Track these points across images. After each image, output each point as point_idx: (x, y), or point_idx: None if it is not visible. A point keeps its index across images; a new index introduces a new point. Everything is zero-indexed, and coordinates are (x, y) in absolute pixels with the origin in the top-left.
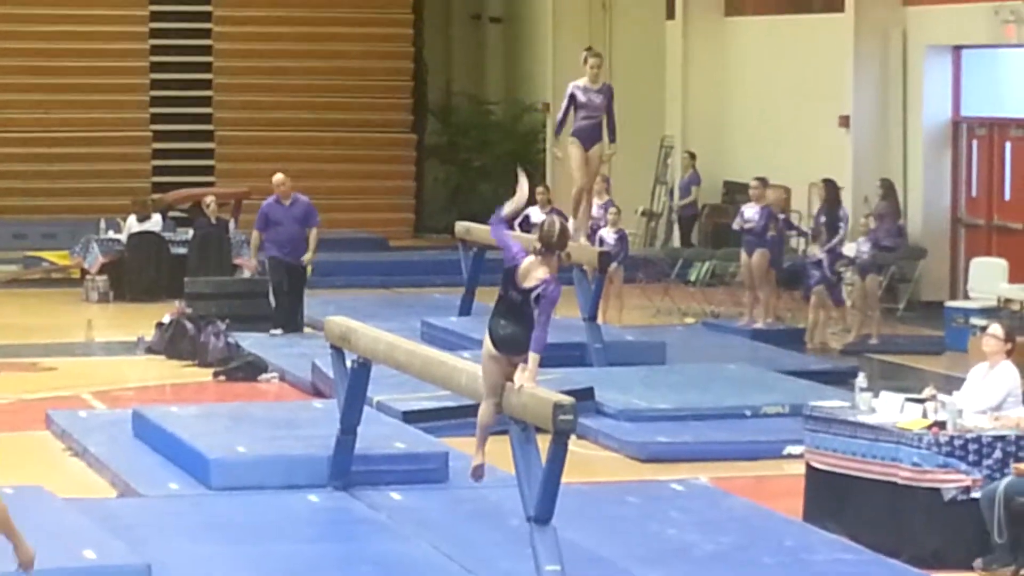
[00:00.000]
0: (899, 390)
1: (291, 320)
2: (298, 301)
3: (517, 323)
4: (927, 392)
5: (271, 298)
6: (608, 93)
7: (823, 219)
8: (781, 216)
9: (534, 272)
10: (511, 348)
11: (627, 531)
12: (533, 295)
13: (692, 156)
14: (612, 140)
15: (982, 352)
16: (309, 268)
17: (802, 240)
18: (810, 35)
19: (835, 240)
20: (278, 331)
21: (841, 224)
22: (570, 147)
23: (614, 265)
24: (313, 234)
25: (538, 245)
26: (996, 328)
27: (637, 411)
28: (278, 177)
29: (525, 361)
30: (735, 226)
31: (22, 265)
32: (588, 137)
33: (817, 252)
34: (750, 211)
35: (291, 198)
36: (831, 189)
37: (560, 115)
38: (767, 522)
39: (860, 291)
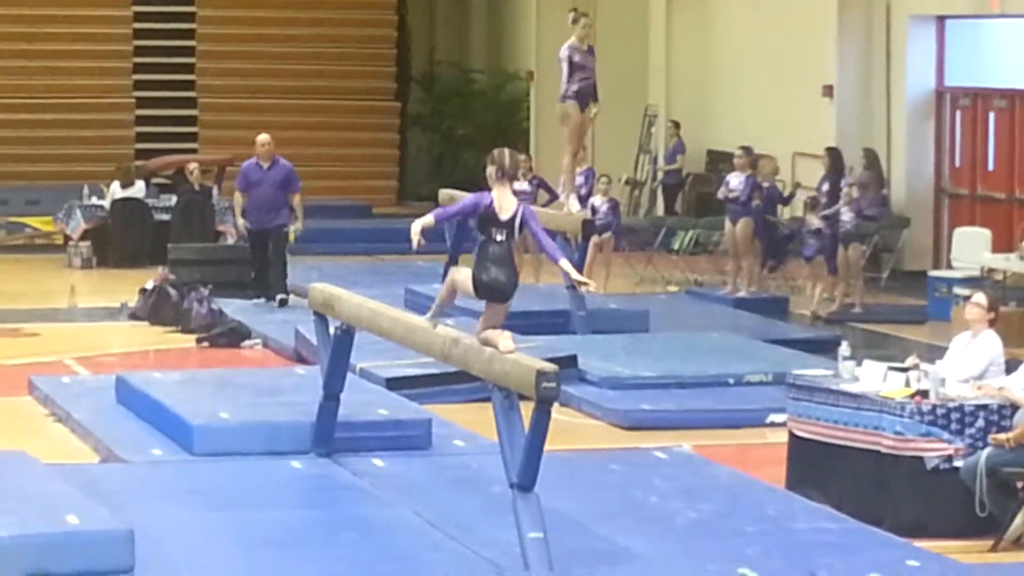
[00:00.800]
0: (882, 359)
1: (274, 286)
2: (280, 266)
3: (502, 268)
4: (910, 361)
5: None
6: (593, 53)
7: (826, 187)
8: (765, 185)
9: (506, 202)
10: (496, 295)
11: (610, 498)
12: (517, 223)
13: (676, 125)
14: (595, 99)
15: (965, 321)
16: (292, 235)
17: (786, 209)
18: (794, 4)
19: (835, 208)
20: (260, 299)
21: (843, 193)
22: (569, 110)
23: (607, 234)
24: (296, 200)
25: (495, 175)
26: (980, 297)
27: (620, 379)
28: (262, 137)
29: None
30: (720, 195)
31: (5, 231)
32: (584, 99)
33: (815, 221)
34: (735, 180)
35: (272, 160)
36: (836, 157)
37: (565, 79)
38: (750, 490)
39: (843, 260)
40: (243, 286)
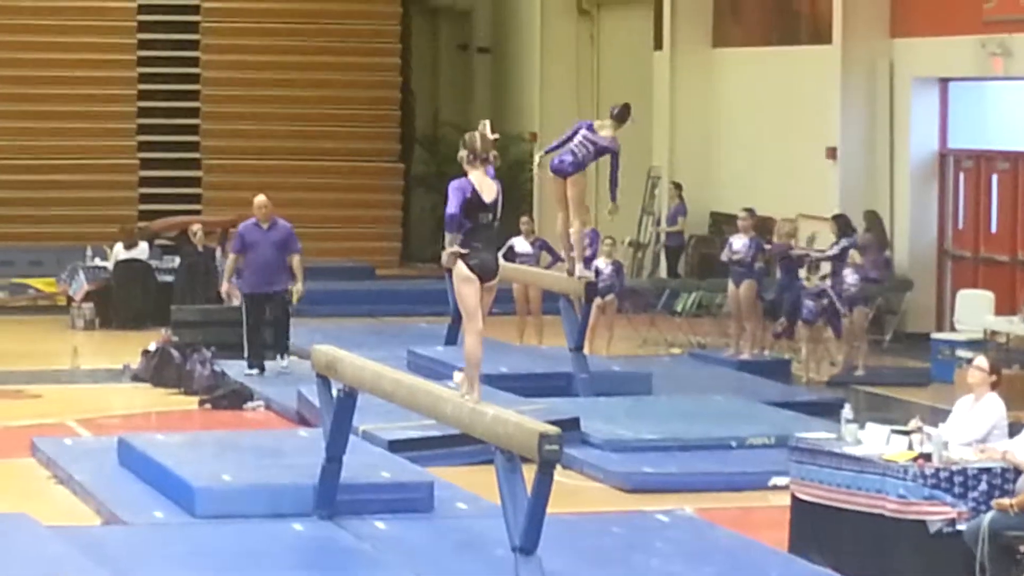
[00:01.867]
0: (885, 422)
1: (276, 347)
2: (283, 330)
3: (488, 248)
4: (913, 424)
5: (244, 337)
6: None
7: (834, 252)
8: (794, 251)
9: (486, 184)
10: (488, 273)
11: (612, 562)
12: (499, 203)
13: (678, 187)
14: (613, 199)
15: (968, 384)
16: (295, 297)
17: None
18: (797, 66)
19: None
20: (253, 371)
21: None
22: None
23: (610, 296)
24: (296, 262)
25: (468, 159)
26: (981, 360)
27: (623, 441)
28: (260, 198)
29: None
30: (723, 257)
31: (8, 292)
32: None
33: (817, 283)
34: (738, 242)
35: (271, 222)
36: (844, 223)
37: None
38: (752, 553)
39: (847, 323)
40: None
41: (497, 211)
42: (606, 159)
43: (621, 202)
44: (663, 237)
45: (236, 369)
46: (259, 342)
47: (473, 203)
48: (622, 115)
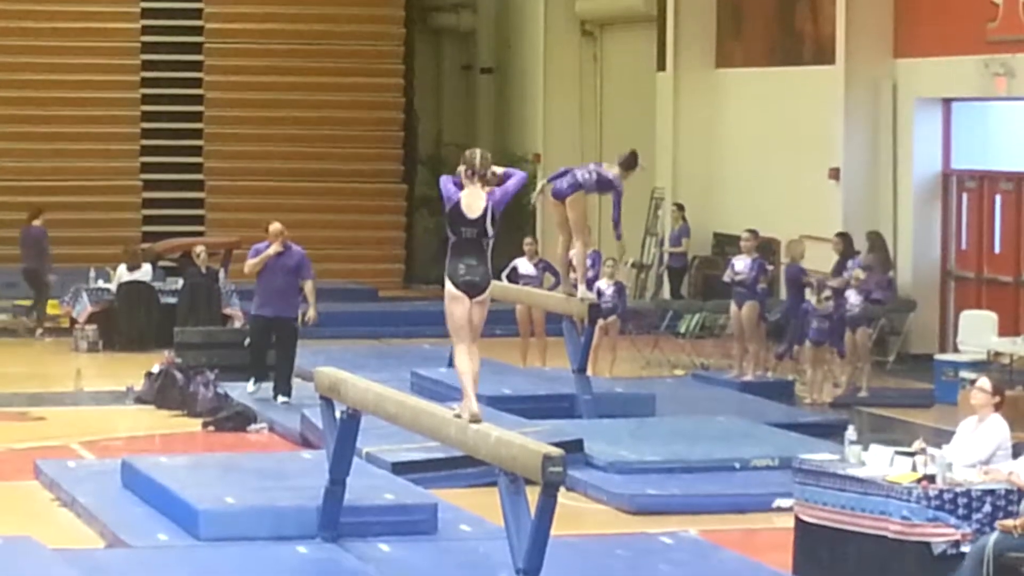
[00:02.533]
0: (889, 443)
1: (277, 383)
2: (287, 362)
3: (477, 264)
4: (916, 445)
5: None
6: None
7: (849, 276)
8: (816, 279)
9: (476, 201)
10: (474, 290)
11: None
12: (488, 218)
13: (681, 208)
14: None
15: (972, 405)
16: (309, 321)
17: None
18: (800, 87)
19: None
20: (260, 384)
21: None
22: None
23: (612, 317)
24: (309, 287)
25: (466, 174)
26: (984, 382)
27: (626, 463)
28: (275, 226)
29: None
30: (726, 278)
31: (11, 314)
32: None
33: (826, 304)
34: (740, 263)
35: (284, 246)
36: (848, 243)
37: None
38: (757, 575)
39: (850, 344)
40: (249, 369)
41: (486, 228)
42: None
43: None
44: (667, 258)
45: (239, 391)
46: (263, 361)
47: (454, 215)
48: (628, 163)
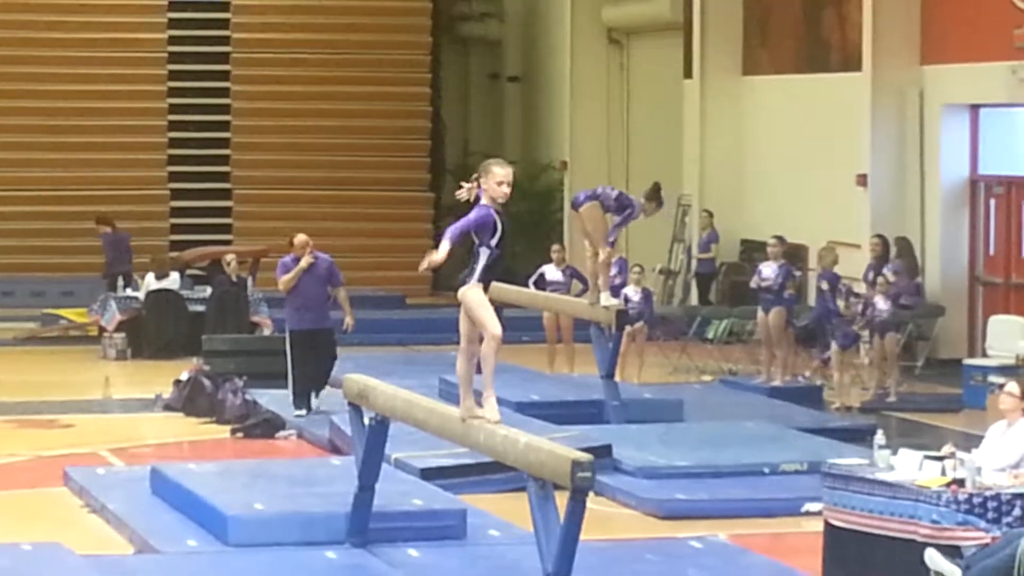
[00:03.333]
0: (918, 447)
1: (317, 382)
2: (324, 372)
3: (499, 272)
4: (946, 450)
5: (289, 375)
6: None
7: (871, 275)
8: (843, 285)
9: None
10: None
11: None
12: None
13: (710, 214)
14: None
15: (1000, 410)
16: (348, 328)
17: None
18: (827, 94)
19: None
20: (302, 412)
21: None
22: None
23: (640, 323)
24: (342, 295)
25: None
26: (1012, 386)
27: (655, 468)
28: (300, 238)
29: None
30: (752, 284)
31: (40, 323)
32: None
33: (855, 310)
34: (767, 269)
35: (313, 258)
36: (886, 245)
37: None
38: None
39: (879, 349)
40: (277, 377)
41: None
42: None
43: (652, 230)
44: (695, 264)
45: (268, 398)
46: (305, 381)
47: (490, 228)
48: (651, 195)
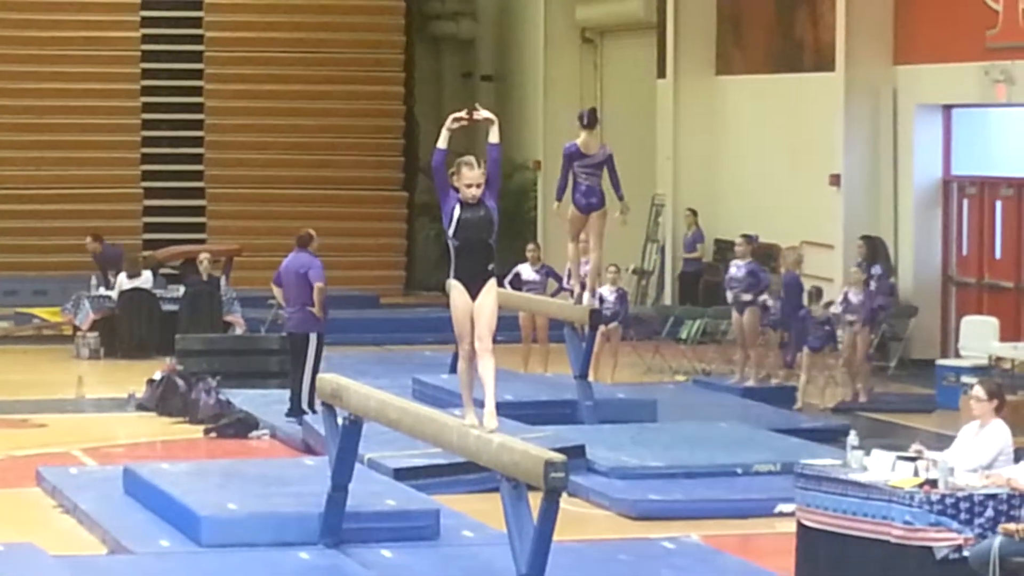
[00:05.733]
0: (891, 448)
1: (293, 397)
2: (298, 380)
3: (484, 262)
4: (913, 449)
5: (307, 376)
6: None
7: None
8: (814, 287)
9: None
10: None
11: None
12: (488, 200)
13: (694, 213)
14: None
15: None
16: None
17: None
18: (801, 94)
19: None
20: (292, 419)
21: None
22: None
23: (614, 323)
24: (316, 289)
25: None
26: (978, 390)
27: (628, 469)
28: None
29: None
30: (726, 284)
31: (13, 322)
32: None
33: (823, 311)
34: (734, 268)
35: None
36: (871, 247)
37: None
38: None
39: (850, 348)
40: (251, 376)
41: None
42: None
43: (625, 230)
44: (681, 264)
45: (241, 398)
46: (299, 388)
47: (467, 223)
48: (591, 120)
